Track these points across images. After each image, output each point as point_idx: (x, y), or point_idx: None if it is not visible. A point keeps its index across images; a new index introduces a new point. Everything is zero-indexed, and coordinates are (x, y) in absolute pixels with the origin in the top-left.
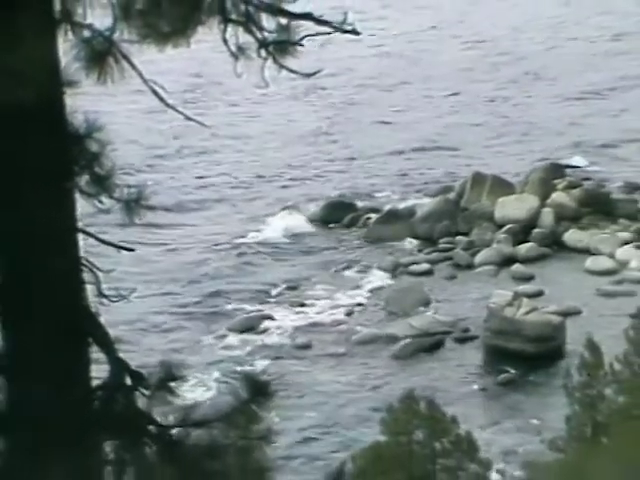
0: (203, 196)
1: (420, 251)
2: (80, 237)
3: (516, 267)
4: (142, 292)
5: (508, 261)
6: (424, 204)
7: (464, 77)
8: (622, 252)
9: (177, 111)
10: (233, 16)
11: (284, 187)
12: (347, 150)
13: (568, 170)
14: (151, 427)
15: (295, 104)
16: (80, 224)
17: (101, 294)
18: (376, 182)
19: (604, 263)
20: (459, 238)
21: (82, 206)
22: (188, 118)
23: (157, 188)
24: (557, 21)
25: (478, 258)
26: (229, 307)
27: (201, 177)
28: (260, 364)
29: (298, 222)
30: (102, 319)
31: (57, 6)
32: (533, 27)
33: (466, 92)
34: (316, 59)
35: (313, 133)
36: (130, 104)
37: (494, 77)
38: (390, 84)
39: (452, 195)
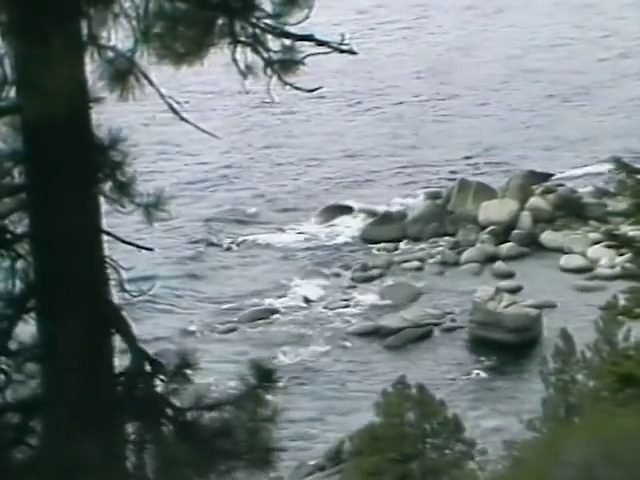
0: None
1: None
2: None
3: (498, 265)
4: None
5: (490, 259)
6: (415, 207)
7: (488, 91)
8: (592, 251)
9: (190, 123)
10: (242, 38)
11: (308, 197)
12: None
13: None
14: (168, 409)
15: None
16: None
17: (123, 290)
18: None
19: (576, 261)
20: (446, 238)
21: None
22: (201, 130)
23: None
24: (568, 41)
25: (463, 256)
26: (242, 301)
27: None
28: (268, 352)
29: (306, 226)
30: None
31: (84, 31)
32: (545, 47)
33: (493, 104)
34: (357, 77)
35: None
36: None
37: (512, 92)
38: (424, 99)
39: (440, 199)
